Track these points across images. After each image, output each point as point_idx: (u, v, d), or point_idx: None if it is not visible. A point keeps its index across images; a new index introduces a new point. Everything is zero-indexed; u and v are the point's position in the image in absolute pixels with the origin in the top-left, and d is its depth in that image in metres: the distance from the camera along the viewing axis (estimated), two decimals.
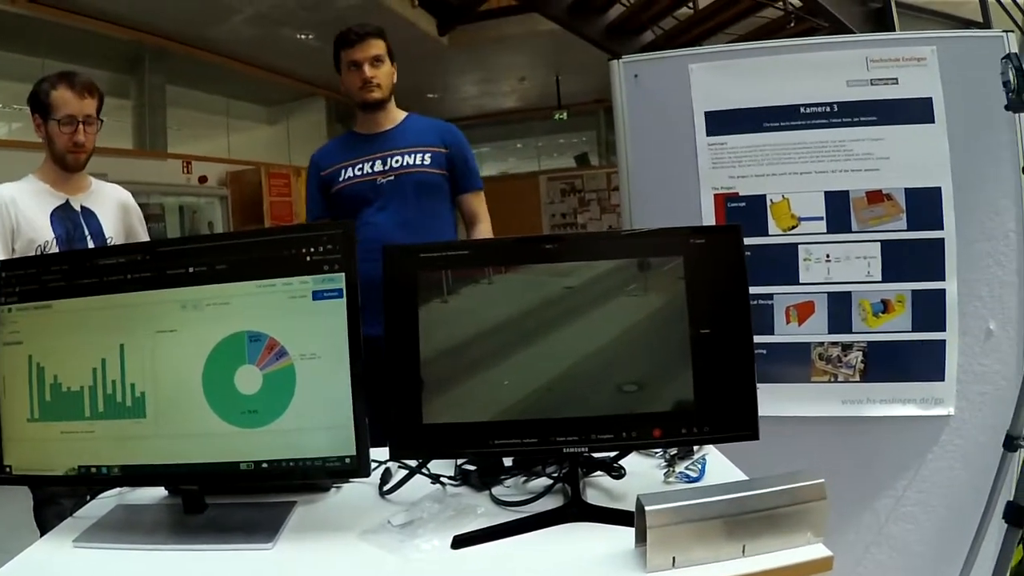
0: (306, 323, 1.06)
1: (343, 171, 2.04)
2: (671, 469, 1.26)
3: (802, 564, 0.94)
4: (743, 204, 1.75)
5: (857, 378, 1.67)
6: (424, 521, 1.09)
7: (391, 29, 2.08)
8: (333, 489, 1.24)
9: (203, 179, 6.91)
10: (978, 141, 1.58)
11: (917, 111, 1.63)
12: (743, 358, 1.15)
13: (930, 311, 1.63)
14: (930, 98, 1.61)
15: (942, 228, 1.62)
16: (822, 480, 0.97)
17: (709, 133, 1.75)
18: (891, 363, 1.65)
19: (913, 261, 1.64)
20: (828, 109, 1.66)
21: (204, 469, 1.05)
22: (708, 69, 1.73)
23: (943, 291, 1.63)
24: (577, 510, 1.10)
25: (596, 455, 1.19)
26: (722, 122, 1.74)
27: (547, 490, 1.17)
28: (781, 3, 3.85)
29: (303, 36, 6.69)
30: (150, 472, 1.05)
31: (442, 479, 1.24)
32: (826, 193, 1.68)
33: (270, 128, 8.88)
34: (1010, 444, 1.49)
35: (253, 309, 1.06)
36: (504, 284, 1.14)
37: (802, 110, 1.68)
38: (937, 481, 1.63)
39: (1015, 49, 1.55)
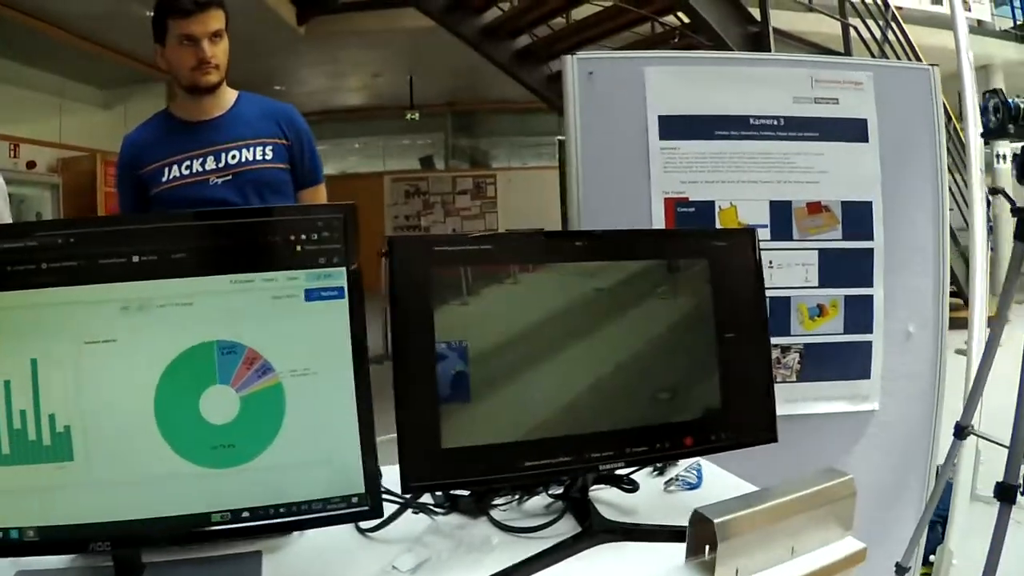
0: (297, 330, 0.79)
1: (166, 170, 1.60)
2: (673, 477, 1.14)
3: (844, 559, 0.90)
4: (692, 210, 1.67)
5: (794, 378, 1.66)
6: (441, 562, 0.87)
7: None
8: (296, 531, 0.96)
9: (31, 164, 5.81)
10: (903, 161, 1.64)
11: (854, 130, 1.65)
12: (763, 361, 1.06)
13: (859, 315, 1.66)
14: (865, 119, 1.64)
15: (872, 239, 1.65)
16: (851, 476, 0.94)
17: (662, 137, 1.66)
18: (824, 363, 1.66)
19: (846, 268, 1.66)
20: (776, 122, 1.63)
21: (161, 526, 0.74)
22: (663, 73, 1.64)
23: (871, 296, 1.66)
24: (605, 530, 0.94)
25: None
26: (675, 127, 1.65)
27: (564, 511, 0.99)
28: (661, 18, 3.94)
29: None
30: (83, 534, 0.71)
31: (427, 507, 1.01)
32: (771, 202, 1.65)
33: (105, 112, 7.67)
34: (960, 433, 1.56)
35: (225, 312, 0.77)
36: (531, 284, 0.94)
37: (751, 121, 1.64)
38: (863, 469, 1.65)
39: (937, 80, 1.63)
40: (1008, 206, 1.43)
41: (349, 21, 6.70)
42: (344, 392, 0.80)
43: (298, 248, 0.80)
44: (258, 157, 1.61)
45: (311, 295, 0.80)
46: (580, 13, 4.51)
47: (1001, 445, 1.40)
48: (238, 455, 0.76)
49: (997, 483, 1.36)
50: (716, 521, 0.81)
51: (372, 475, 0.81)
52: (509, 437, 0.90)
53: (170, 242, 0.76)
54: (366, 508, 0.80)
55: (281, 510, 0.77)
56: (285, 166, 1.66)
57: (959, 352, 1.68)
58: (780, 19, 3.39)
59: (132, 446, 0.73)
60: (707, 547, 0.85)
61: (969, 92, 1.92)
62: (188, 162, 1.60)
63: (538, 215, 7.26)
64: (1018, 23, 6.97)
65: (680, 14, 3.66)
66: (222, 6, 1.60)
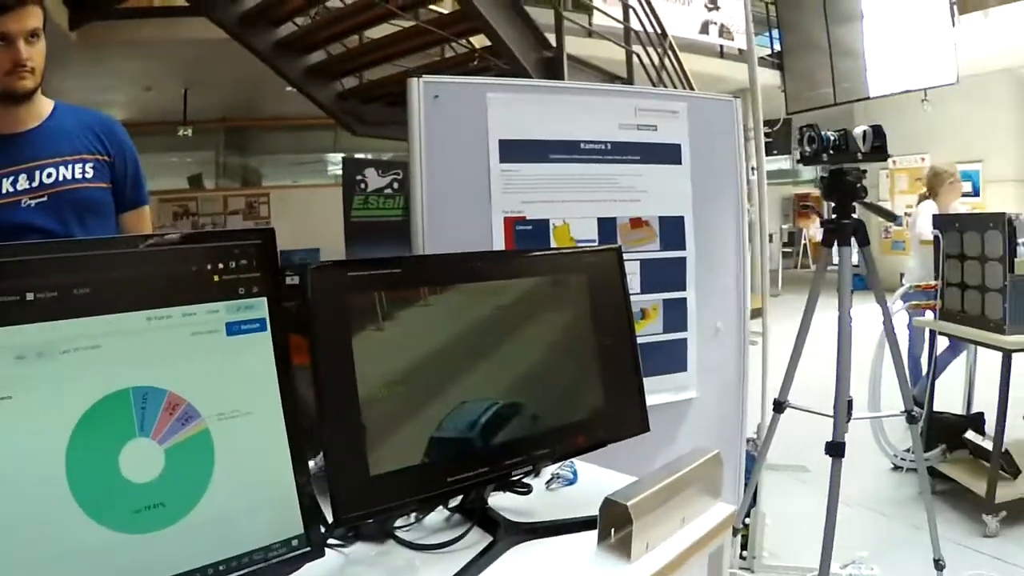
0: (220, 369, 0.78)
1: None
2: (553, 476, 1.28)
3: (721, 522, 1.12)
4: (530, 227, 1.85)
5: None
6: None
7: None
8: None
9: None
10: (710, 180, 1.99)
11: (670, 154, 1.95)
12: (633, 361, 1.25)
13: (675, 316, 1.97)
14: (680, 144, 1.95)
15: (685, 249, 1.98)
16: (718, 451, 1.17)
17: (502, 160, 1.81)
18: (648, 361, 1.91)
19: (663, 276, 1.95)
20: (603, 147, 1.88)
21: None
22: (504, 100, 1.79)
23: (685, 299, 1.98)
24: (515, 532, 1.04)
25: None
26: (514, 150, 1.81)
27: (473, 521, 1.07)
28: (459, 41, 4.20)
29: None
30: None
31: (336, 541, 1.02)
32: (599, 219, 1.90)
33: None
34: (779, 407, 1.93)
35: (140, 354, 0.73)
36: (440, 306, 1.01)
37: (582, 146, 1.86)
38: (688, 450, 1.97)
39: (739, 110, 2.02)
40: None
41: (125, 29, 6.11)
42: (275, 430, 0.80)
43: (216, 278, 0.78)
44: (77, 175, 1.46)
45: (232, 329, 0.79)
46: (378, 32, 4.64)
47: (819, 414, 1.81)
48: (168, 515, 0.72)
49: (827, 442, 1.75)
50: (630, 504, 0.96)
51: (311, 511, 0.82)
52: (433, 457, 0.96)
53: (72, 275, 0.69)
54: (308, 549, 0.81)
55: (221, 568, 0.74)
56: (107, 185, 1.51)
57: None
58: (570, 44, 3.83)
59: (43, 522, 0.65)
60: (614, 529, 1.00)
61: (759, 116, 2.41)
62: None
63: (314, 235, 7.20)
64: (774, 51, 8.65)
65: (473, 40, 3.97)
66: (40, 2, 1.43)
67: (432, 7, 4.42)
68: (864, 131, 1.88)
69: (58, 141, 1.48)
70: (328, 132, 9.28)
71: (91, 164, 1.50)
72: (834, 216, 1.89)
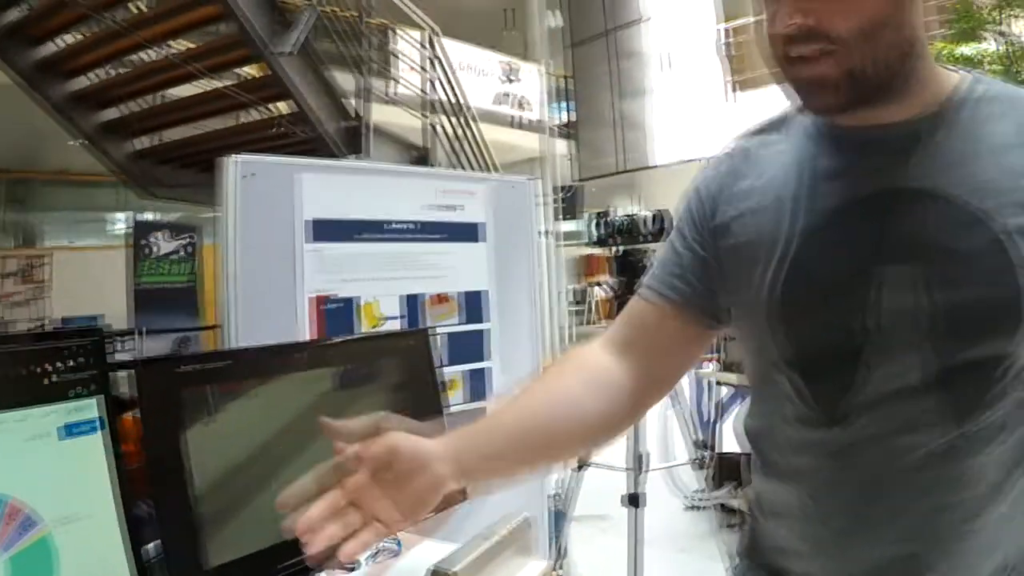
0: (58, 472, 0.85)
1: None
2: (379, 549, 1.42)
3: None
4: (339, 305, 2.00)
5: None
6: None
7: None
8: None
9: None
10: (508, 254, 2.26)
11: (472, 232, 2.20)
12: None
13: (478, 385, 2.20)
14: (481, 223, 2.22)
15: (486, 321, 2.24)
16: (527, 515, 1.36)
17: (311, 239, 1.95)
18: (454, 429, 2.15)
19: (466, 347, 2.18)
20: (409, 226, 2.09)
21: None
22: (314, 180, 1.94)
23: (488, 368, 2.24)
24: None
25: None
26: (323, 230, 1.96)
27: None
28: (268, 107, 4.27)
29: None
30: None
31: None
32: (405, 296, 2.10)
33: None
34: (580, 465, 2.21)
35: None
36: (267, 396, 1.14)
37: (388, 225, 2.07)
38: (499, 512, 2.19)
39: (535, 190, 2.35)
40: None
41: None
42: (114, 532, 0.88)
43: (46, 380, 0.86)
44: None
45: (68, 431, 0.87)
46: (180, 91, 4.58)
47: (617, 469, 2.13)
48: None
49: (627, 494, 2.05)
50: (455, 570, 1.11)
51: None
52: (265, 544, 1.06)
53: None
54: None
55: None
56: None
57: None
58: (372, 111, 4.09)
59: None
60: None
61: (556, 184, 2.80)
62: None
63: (98, 300, 6.87)
64: (567, 121, 9.66)
65: (279, 105, 4.08)
66: None
67: (237, 70, 4.46)
68: (647, 216, 2.35)
69: None
70: (112, 189, 8.69)
71: None
72: (623, 291, 2.31)
